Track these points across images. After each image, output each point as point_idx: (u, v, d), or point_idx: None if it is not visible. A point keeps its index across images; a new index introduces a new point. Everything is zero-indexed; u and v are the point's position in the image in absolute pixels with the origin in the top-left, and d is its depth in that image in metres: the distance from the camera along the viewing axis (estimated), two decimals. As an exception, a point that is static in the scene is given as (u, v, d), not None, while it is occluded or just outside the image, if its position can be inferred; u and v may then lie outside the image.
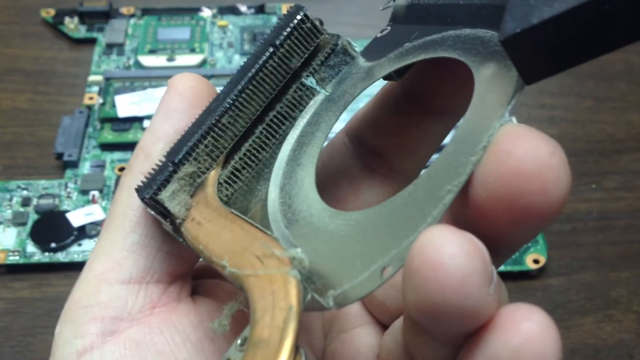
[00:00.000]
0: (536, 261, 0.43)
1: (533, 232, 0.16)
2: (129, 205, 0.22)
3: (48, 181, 0.47)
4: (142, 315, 0.21)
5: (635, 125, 0.52)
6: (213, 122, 0.21)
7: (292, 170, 0.22)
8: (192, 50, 0.55)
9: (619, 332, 0.41)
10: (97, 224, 0.44)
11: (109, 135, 0.49)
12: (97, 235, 0.44)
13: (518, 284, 0.43)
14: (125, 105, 0.50)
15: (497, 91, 0.18)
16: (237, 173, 0.22)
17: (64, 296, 0.41)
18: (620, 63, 0.57)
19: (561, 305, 0.42)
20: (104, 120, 0.50)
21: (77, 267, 0.43)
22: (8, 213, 0.45)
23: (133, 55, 0.55)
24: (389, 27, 0.23)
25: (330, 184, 0.24)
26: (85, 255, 0.43)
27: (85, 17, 0.57)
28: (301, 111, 0.23)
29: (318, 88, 0.23)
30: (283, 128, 0.22)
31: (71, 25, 0.56)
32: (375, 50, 0.23)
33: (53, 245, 0.43)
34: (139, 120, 0.50)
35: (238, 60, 0.55)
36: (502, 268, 0.43)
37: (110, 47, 0.56)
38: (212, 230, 0.20)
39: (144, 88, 0.51)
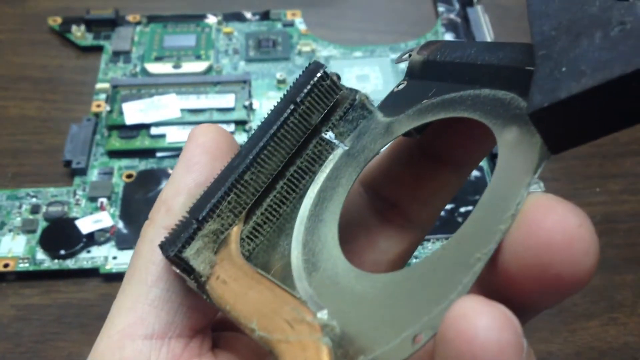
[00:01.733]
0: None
1: (560, 299, 0.17)
2: (150, 259, 0.22)
3: (57, 189, 0.47)
4: None
5: (639, 129, 0.53)
6: (236, 178, 0.21)
7: (314, 226, 0.22)
8: (198, 57, 0.56)
9: (624, 334, 0.42)
10: (106, 231, 0.45)
11: (116, 143, 0.50)
12: (106, 242, 0.44)
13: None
14: (133, 112, 0.50)
15: (522, 157, 0.18)
16: (258, 228, 0.22)
17: (73, 302, 0.42)
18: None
19: (566, 308, 0.43)
20: (112, 128, 0.50)
21: (86, 273, 0.44)
22: (18, 220, 0.46)
23: (139, 63, 0.56)
24: (405, 82, 0.24)
25: (347, 235, 0.24)
26: (95, 261, 0.44)
27: (92, 25, 0.58)
28: (321, 165, 0.23)
29: (337, 142, 0.23)
30: (303, 182, 0.23)
31: (78, 33, 0.57)
32: (392, 105, 0.23)
33: (62, 252, 0.43)
34: (146, 127, 0.50)
35: (244, 67, 0.56)
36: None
37: (116, 54, 0.56)
38: (239, 290, 0.20)
39: (151, 95, 0.52)
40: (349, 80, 0.55)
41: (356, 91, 0.23)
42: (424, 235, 0.25)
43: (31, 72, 0.56)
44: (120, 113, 0.51)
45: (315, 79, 0.22)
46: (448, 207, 0.46)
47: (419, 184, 0.24)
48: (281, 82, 0.54)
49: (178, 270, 0.21)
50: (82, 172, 0.48)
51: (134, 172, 0.48)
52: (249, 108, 0.52)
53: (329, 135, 0.23)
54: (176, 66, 0.55)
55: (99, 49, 0.57)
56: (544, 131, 0.17)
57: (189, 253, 0.21)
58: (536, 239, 0.15)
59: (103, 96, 0.53)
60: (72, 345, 0.41)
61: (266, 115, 0.23)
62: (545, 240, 0.15)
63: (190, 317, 0.22)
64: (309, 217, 0.22)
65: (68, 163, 0.48)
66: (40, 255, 0.44)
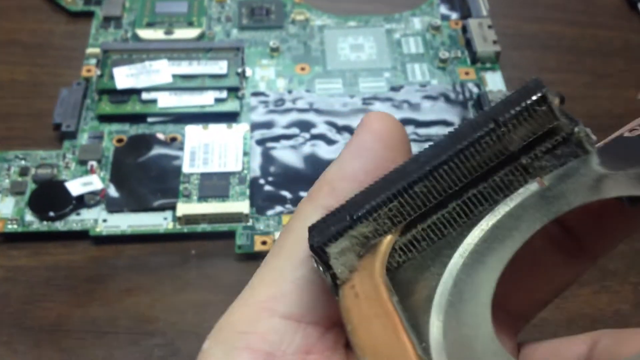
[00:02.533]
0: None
1: None
2: (303, 237, 0.21)
3: (46, 152, 0.47)
4: (295, 358, 0.20)
5: (632, 101, 0.53)
6: (405, 186, 0.19)
7: (474, 266, 0.19)
8: (190, 24, 0.55)
9: (616, 302, 0.42)
10: (96, 194, 0.44)
11: (107, 107, 0.49)
12: (95, 204, 0.44)
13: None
14: (124, 77, 0.50)
15: None
16: (415, 243, 0.20)
17: (62, 265, 0.42)
18: (618, 40, 0.57)
19: (558, 276, 0.43)
20: (102, 92, 0.50)
21: (75, 236, 0.43)
22: (6, 182, 0.45)
23: (130, 29, 0.55)
24: None
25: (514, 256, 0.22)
26: (84, 224, 0.43)
27: (83, -10, 0.57)
28: (506, 196, 0.20)
29: (536, 176, 0.20)
30: (480, 209, 0.20)
31: (69, -2, 0.56)
32: (615, 153, 0.20)
33: (51, 214, 0.43)
34: (137, 92, 0.50)
35: (236, 35, 0.55)
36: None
37: (107, 20, 0.55)
38: (367, 312, 0.18)
39: (142, 61, 0.51)
40: (343, 50, 0.54)
41: (576, 122, 0.20)
42: (590, 266, 0.23)
43: (21, 37, 0.55)
44: (111, 77, 0.50)
45: (530, 101, 0.19)
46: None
47: (603, 213, 0.22)
48: (274, 50, 0.54)
49: (317, 260, 0.20)
50: (72, 135, 0.48)
51: (124, 137, 0.48)
52: (242, 75, 0.51)
53: (529, 165, 0.20)
54: (168, 32, 0.54)
55: (89, 15, 0.56)
56: None
57: (332, 250, 0.19)
58: None
59: (93, 61, 0.52)
60: (60, 307, 0.40)
61: (458, 126, 0.20)
62: None
63: (331, 305, 0.21)
64: (471, 252, 0.19)
65: (58, 126, 0.48)
66: (29, 216, 0.43)
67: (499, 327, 0.21)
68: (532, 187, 0.20)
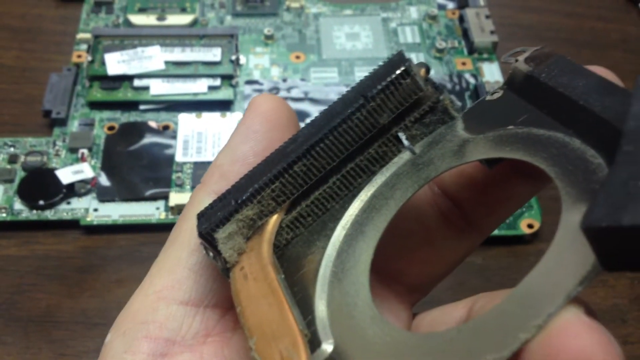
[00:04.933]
0: (530, 226, 0.43)
1: None
2: (196, 223, 0.21)
3: (36, 139, 0.46)
4: (195, 342, 0.21)
5: (630, 94, 0.52)
6: (284, 167, 0.20)
7: (354, 236, 0.20)
8: (183, 10, 0.54)
9: (612, 296, 0.41)
10: (87, 182, 0.43)
11: (98, 94, 0.48)
12: (86, 193, 0.43)
13: (512, 248, 0.43)
14: (115, 63, 0.49)
15: (574, 258, 0.16)
16: (301, 219, 0.21)
17: (52, 254, 0.41)
18: (616, 33, 0.56)
19: (555, 269, 0.42)
20: (93, 79, 0.49)
21: (65, 225, 0.42)
22: (-6, 170, 0.44)
23: (122, 14, 0.54)
24: (502, 92, 0.21)
25: (404, 229, 0.23)
26: (75, 213, 0.42)
27: (74, -26, 0.56)
28: (382, 167, 0.21)
29: (407, 144, 0.21)
30: (359, 181, 0.21)
31: (59, -18, 0.55)
32: (478, 117, 0.21)
33: (41, 202, 0.42)
34: (129, 79, 0.49)
35: (230, 21, 0.54)
36: (496, 232, 0.42)
37: (98, 5, 0.54)
38: (254, 293, 0.19)
39: (134, 47, 0.50)
40: (338, 38, 0.54)
41: (441, 91, 0.21)
42: (479, 242, 0.24)
43: (9, 21, 0.54)
44: (102, 64, 0.49)
45: (394, 75, 0.20)
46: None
47: (490, 190, 0.22)
48: (269, 37, 0.53)
49: (206, 247, 0.20)
50: (62, 122, 0.47)
51: (116, 125, 0.47)
52: (236, 63, 0.50)
53: (401, 135, 0.21)
54: (160, 18, 0.53)
55: (80, -1, 0.55)
56: (597, 248, 0.15)
57: (220, 235, 0.20)
58: None
59: (84, 46, 0.51)
60: (50, 297, 0.39)
61: (333, 102, 0.21)
62: None
63: (228, 288, 0.21)
64: (353, 223, 0.20)
65: (47, 113, 0.47)
66: (18, 205, 0.42)
67: (395, 299, 0.23)
68: (405, 156, 0.21)
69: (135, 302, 0.21)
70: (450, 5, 0.56)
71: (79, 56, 0.50)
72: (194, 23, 0.54)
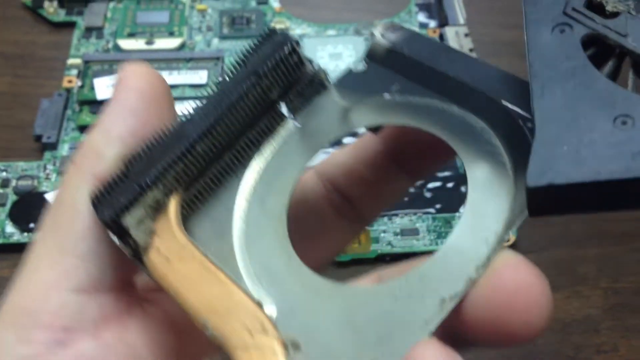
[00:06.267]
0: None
1: (502, 347, 0.18)
2: (78, 210, 0.20)
3: (27, 163, 0.47)
4: (94, 329, 0.20)
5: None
6: (188, 147, 0.20)
7: (262, 200, 0.21)
8: (171, 34, 0.56)
9: (586, 307, 0.42)
10: (76, 205, 0.45)
11: (87, 118, 0.50)
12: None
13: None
14: (104, 87, 0.50)
15: (496, 207, 0.19)
16: (199, 196, 0.21)
17: (43, 275, 0.42)
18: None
19: (531, 281, 0.43)
20: (83, 103, 0.50)
21: (55, 246, 0.43)
22: (-13, 194, 0.45)
23: (112, 39, 0.55)
24: (365, 63, 0.23)
25: (300, 220, 0.24)
26: (64, 235, 0.44)
27: (65, 0, 0.57)
28: (270, 138, 0.22)
29: (290, 116, 0.22)
30: (250, 153, 0.22)
31: (50, 9, 0.57)
32: (351, 87, 0.22)
33: (32, 225, 0.43)
34: (117, 102, 0.50)
35: (217, 44, 0.56)
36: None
37: (89, 30, 0.56)
38: (185, 274, 0.19)
39: (123, 71, 0.51)
40: (322, 58, 0.55)
41: (318, 65, 0.22)
42: (365, 227, 0.27)
43: (3, 47, 0.56)
44: (92, 88, 0.50)
45: (283, 54, 0.21)
46: (418, 183, 0.47)
47: (377, 185, 0.25)
48: (254, 59, 0.54)
49: (111, 234, 0.20)
50: (53, 146, 0.48)
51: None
52: (222, 84, 0.52)
53: (283, 108, 0.22)
54: (149, 42, 0.55)
55: (71, 25, 0.57)
56: (531, 200, 0.17)
57: (130, 222, 0.19)
58: (501, 298, 0.17)
59: (75, 72, 0.53)
60: (41, 317, 0.41)
61: (222, 82, 0.21)
62: (508, 301, 0.17)
63: (121, 269, 0.21)
64: (253, 194, 0.21)
65: (39, 137, 0.48)
66: (10, 228, 0.44)
67: None
68: (290, 126, 0.22)
69: (23, 293, 0.20)
70: (432, 24, 0.58)
71: (70, 81, 0.52)
72: (182, 46, 0.55)
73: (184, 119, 0.21)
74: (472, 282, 0.17)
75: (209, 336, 0.18)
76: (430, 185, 0.47)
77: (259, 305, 0.18)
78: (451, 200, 0.46)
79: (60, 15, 0.57)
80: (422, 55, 0.22)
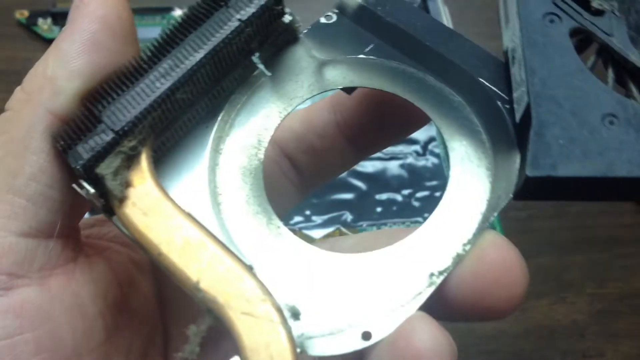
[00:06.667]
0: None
1: (479, 321, 0.19)
2: (30, 147, 0.18)
3: (22, 178, 0.48)
4: (41, 276, 0.19)
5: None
6: (167, 93, 0.18)
7: (229, 155, 0.21)
8: (163, 49, 0.56)
9: (572, 313, 0.43)
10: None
11: (81, 133, 0.50)
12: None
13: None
14: (97, 103, 0.51)
15: (478, 184, 0.19)
16: (166, 142, 0.20)
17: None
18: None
19: (517, 288, 0.44)
20: (77, 118, 0.51)
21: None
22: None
23: (105, 55, 0.56)
24: (335, 16, 0.22)
25: None
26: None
27: (59, 18, 0.58)
28: (240, 86, 0.21)
29: (262, 67, 0.21)
30: (220, 100, 0.21)
31: (45, 26, 0.58)
32: (324, 40, 0.22)
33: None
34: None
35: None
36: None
37: (83, 46, 0.57)
38: (166, 230, 0.18)
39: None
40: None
41: (291, 14, 0.21)
42: (311, 192, 0.27)
43: (-2, 64, 0.57)
44: (85, 104, 0.51)
45: (269, 2, 0.20)
46: (405, 192, 0.47)
47: (326, 156, 0.26)
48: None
49: (87, 185, 0.18)
50: (47, 161, 0.49)
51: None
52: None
53: (256, 57, 0.21)
54: (141, 58, 0.55)
55: (65, 42, 0.57)
56: (525, 187, 0.19)
57: (106, 171, 0.18)
58: (486, 275, 0.18)
59: (69, 87, 0.53)
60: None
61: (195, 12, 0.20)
62: (493, 278, 0.18)
63: (71, 215, 0.20)
64: (223, 144, 0.21)
65: (33, 153, 0.49)
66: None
67: None
68: (262, 78, 0.21)
69: None
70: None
71: (64, 97, 0.53)
72: (174, 61, 0.56)
73: (152, 57, 0.19)
74: (460, 259, 0.18)
75: (200, 298, 0.17)
76: (419, 194, 0.48)
77: (250, 269, 0.18)
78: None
79: (54, 32, 0.58)
80: (397, 18, 0.21)
